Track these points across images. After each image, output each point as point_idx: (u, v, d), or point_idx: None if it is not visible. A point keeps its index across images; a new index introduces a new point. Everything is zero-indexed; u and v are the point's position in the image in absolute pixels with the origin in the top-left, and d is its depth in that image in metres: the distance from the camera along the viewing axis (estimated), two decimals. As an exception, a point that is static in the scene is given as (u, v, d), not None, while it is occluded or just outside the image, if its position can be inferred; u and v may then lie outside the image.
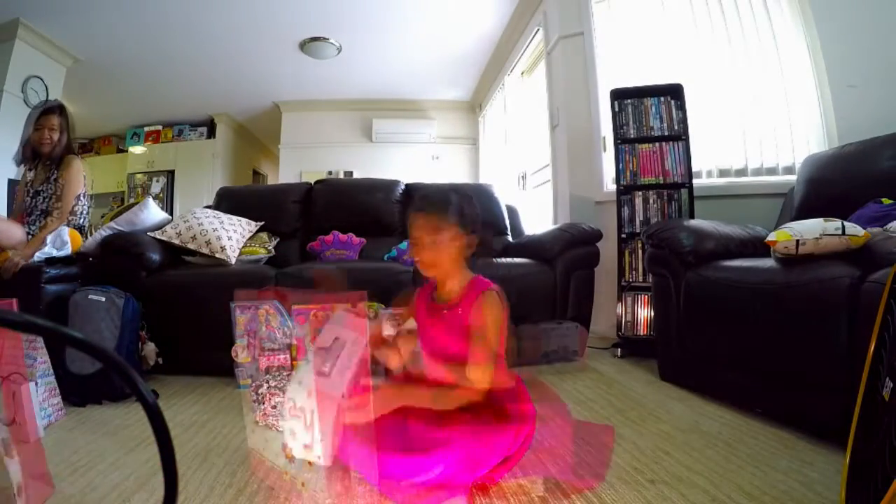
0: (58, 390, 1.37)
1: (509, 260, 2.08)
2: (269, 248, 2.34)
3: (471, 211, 1.02)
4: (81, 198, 2.02)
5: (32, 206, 1.96)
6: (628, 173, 2.19)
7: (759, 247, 1.49)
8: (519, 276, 1.95)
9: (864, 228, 1.17)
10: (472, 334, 0.94)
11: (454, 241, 0.99)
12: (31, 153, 2.01)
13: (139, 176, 5.48)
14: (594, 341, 2.24)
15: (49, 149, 1.96)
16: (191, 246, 2.01)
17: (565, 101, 2.76)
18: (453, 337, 0.97)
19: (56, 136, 1.97)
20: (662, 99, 2.19)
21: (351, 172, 5.15)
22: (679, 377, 1.64)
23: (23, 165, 2.06)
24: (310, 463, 0.82)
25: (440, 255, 0.98)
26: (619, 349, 2.10)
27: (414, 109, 5.23)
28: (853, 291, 1.04)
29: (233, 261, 2.05)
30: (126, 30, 3.53)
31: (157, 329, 1.76)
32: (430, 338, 1.02)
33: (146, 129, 5.57)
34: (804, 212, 1.64)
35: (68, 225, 1.95)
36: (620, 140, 2.21)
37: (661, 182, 2.15)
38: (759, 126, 2.32)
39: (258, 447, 1.00)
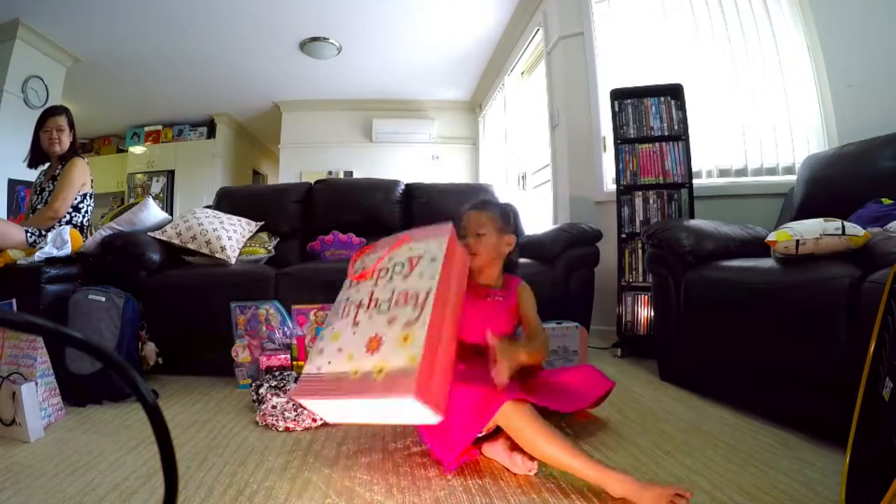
0: (58, 390, 1.37)
1: (509, 260, 2.07)
2: (269, 248, 2.34)
3: (511, 215, 1.30)
4: (87, 198, 2.05)
5: (35, 205, 2.00)
6: (628, 173, 2.19)
7: (759, 247, 1.48)
8: (519, 276, 1.95)
9: (864, 228, 1.17)
10: (530, 315, 1.23)
11: (496, 236, 1.23)
12: (40, 155, 2.04)
13: (139, 176, 5.49)
14: (594, 341, 2.24)
15: (58, 148, 2.00)
16: (191, 246, 2.01)
17: (565, 101, 2.76)
18: (500, 318, 1.20)
19: (64, 136, 2.01)
20: (662, 99, 2.18)
21: (351, 172, 5.15)
22: (679, 377, 1.64)
23: (35, 168, 2.10)
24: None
25: (483, 246, 1.21)
26: (619, 349, 2.11)
27: (414, 109, 5.23)
28: (853, 291, 1.04)
29: (233, 261, 2.05)
30: (126, 30, 3.53)
31: (157, 329, 1.76)
32: (476, 318, 1.14)
33: (146, 129, 5.57)
34: (804, 212, 1.64)
35: (70, 223, 1.96)
36: (620, 140, 2.21)
37: (661, 182, 2.15)
38: (759, 126, 2.32)
39: (257, 447, 1.00)
